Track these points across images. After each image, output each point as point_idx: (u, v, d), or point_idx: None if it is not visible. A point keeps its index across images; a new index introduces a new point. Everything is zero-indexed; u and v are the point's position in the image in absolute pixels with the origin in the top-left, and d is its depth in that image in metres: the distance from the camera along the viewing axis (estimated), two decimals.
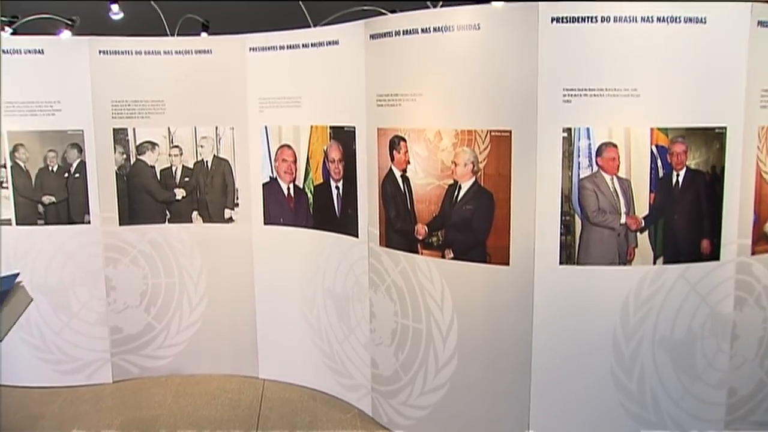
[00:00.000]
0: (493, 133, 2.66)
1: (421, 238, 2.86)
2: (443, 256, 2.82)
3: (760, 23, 2.64)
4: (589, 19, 2.53)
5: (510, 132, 2.63)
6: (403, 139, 2.86)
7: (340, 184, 3.21)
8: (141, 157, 3.53)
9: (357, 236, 3.15)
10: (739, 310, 2.79)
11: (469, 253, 2.76)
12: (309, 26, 4.68)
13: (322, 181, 3.29)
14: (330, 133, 3.22)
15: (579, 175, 2.60)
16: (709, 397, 2.80)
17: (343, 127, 3.15)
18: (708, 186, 2.65)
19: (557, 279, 2.65)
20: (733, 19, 2.58)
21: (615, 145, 2.58)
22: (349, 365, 3.32)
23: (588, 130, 2.57)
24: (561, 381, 2.73)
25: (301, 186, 3.37)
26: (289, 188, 3.41)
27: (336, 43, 3.15)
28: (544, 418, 2.76)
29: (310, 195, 3.35)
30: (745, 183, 2.73)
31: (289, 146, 3.38)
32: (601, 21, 2.53)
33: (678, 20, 2.56)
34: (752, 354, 2.87)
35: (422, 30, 2.76)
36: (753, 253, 2.79)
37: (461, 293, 2.81)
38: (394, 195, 2.92)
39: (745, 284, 2.79)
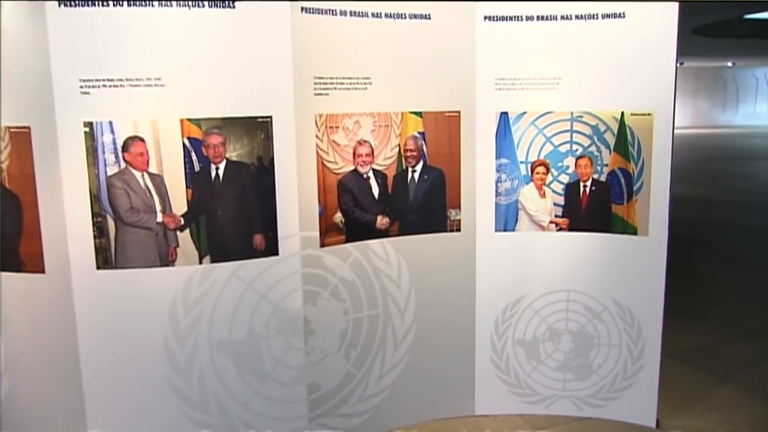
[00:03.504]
0: (11, 130, 2.41)
1: None
2: None
3: (304, 9, 2.54)
4: (100, 3, 2.31)
5: (28, 128, 2.39)
6: None
7: None
8: None
9: None
10: (312, 305, 2.70)
11: (5, 263, 2.49)
12: None
13: None
14: None
15: (106, 172, 2.40)
16: (285, 396, 2.71)
17: None
18: (255, 178, 2.53)
19: (96, 285, 2.46)
20: (274, 7, 2.49)
21: (142, 139, 2.40)
22: None
23: (111, 123, 2.37)
24: (116, 393, 2.54)
25: None
26: None
27: None
28: None
29: None
30: (304, 173, 2.62)
31: None
32: (114, 4, 2.31)
33: (201, 4, 2.39)
34: (334, 348, 2.80)
35: None
36: (323, 245, 2.69)
37: (4, 308, 2.55)
38: None
39: (317, 278, 2.70)
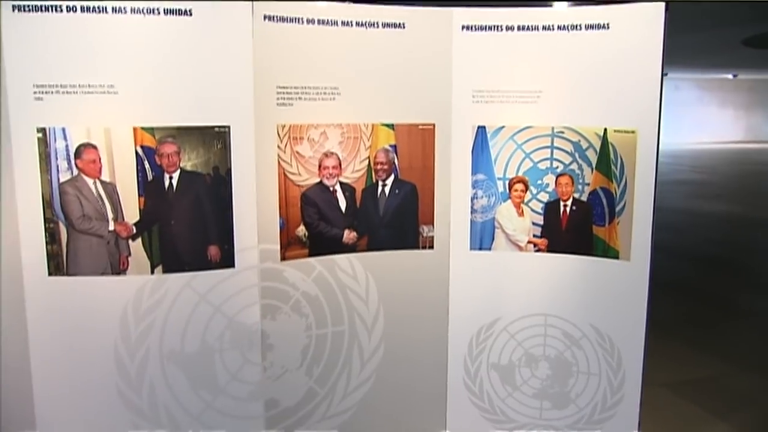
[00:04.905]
0: None
1: None
2: None
3: (266, 17, 2.47)
4: (54, 9, 2.30)
5: None
6: None
7: None
8: None
9: None
10: (271, 319, 2.63)
11: None
12: None
13: None
14: None
15: (59, 179, 2.38)
16: (240, 412, 2.64)
17: None
18: (210, 189, 2.47)
19: (48, 291, 2.44)
20: (235, 15, 2.45)
21: (95, 147, 2.38)
22: None
23: (64, 130, 2.35)
24: (67, 402, 2.53)
25: None
26: None
27: None
28: None
29: None
30: (264, 185, 2.56)
31: None
32: (67, 10, 2.30)
33: (157, 12, 2.35)
34: (295, 364, 2.73)
35: None
36: (284, 259, 2.62)
37: None
38: None
39: (277, 291, 2.64)
